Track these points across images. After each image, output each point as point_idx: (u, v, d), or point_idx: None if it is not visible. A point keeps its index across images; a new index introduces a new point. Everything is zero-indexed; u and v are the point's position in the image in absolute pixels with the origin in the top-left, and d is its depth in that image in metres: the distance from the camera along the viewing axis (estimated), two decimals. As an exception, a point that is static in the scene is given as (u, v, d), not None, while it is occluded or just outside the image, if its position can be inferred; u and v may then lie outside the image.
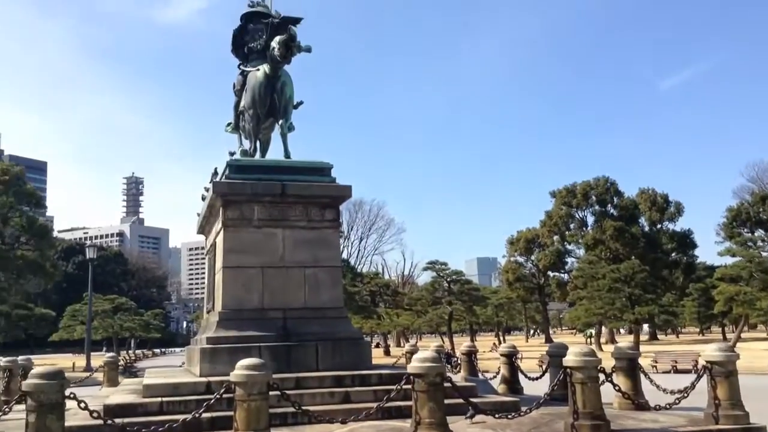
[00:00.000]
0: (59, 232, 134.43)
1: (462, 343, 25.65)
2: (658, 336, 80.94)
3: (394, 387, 9.24)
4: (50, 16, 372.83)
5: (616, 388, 10.29)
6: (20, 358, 16.68)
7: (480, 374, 16.15)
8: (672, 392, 10.37)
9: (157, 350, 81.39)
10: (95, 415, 8.29)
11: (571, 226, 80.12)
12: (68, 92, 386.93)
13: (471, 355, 16.57)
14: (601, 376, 9.06)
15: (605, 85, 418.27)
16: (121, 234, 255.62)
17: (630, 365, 11.45)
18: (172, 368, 18.46)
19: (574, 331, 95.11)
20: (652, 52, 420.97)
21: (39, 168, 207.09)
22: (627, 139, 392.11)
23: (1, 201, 50.12)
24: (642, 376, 11.47)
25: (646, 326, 72.04)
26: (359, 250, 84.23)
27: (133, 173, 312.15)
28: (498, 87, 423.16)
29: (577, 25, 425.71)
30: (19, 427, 9.06)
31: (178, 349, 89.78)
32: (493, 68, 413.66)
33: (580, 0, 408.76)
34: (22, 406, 8.15)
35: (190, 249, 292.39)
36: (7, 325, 41.84)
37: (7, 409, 8.38)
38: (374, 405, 9.18)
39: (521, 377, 14.42)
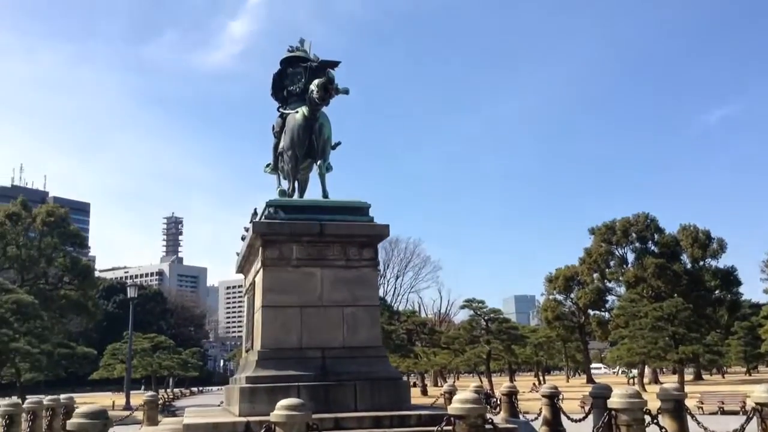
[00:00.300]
0: (101, 271, 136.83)
1: (501, 383, 25.26)
2: (703, 376, 78.66)
3: (434, 428, 9.14)
4: (91, 63, 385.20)
5: (663, 429, 10.04)
6: (62, 396, 16.92)
7: (521, 415, 15.88)
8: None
9: (195, 389, 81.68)
10: (137, 454, 8.36)
11: (611, 263, 78.84)
12: (110, 136, 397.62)
13: (511, 395, 16.32)
14: (647, 418, 8.85)
15: (643, 121, 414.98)
16: (160, 273, 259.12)
17: (676, 406, 11.17)
18: (211, 407, 18.51)
19: (616, 370, 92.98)
20: (694, 87, 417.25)
21: (82, 209, 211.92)
22: (666, 174, 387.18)
23: (46, 242, 51.49)
24: (688, 417, 11.18)
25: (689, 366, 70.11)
26: (395, 288, 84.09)
27: (173, 213, 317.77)
28: (535, 123, 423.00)
29: (615, 62, 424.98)
30: (62, 465, 9.17)
31: (215, 388, 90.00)
32: (530, 104, 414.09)
33: (618, 37, 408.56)
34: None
35: (228, 287, 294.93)
36: (50, 363, 42.38)
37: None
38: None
39: (563, 419, 14.13)
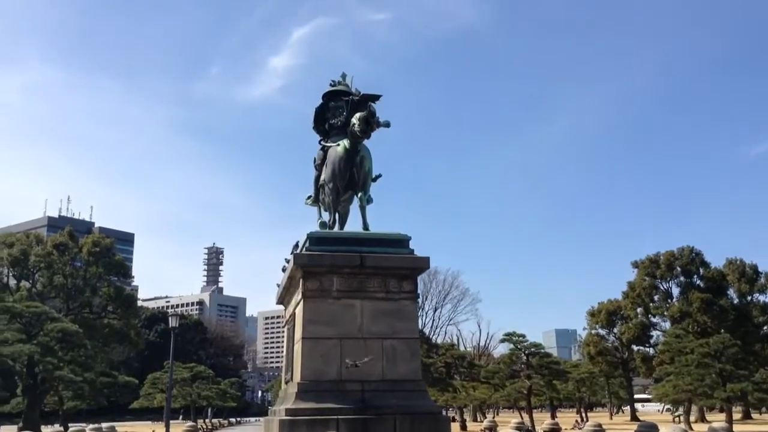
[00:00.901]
0: (143, 300, 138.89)
1: (542, 419, 24.78)
2: (752, 415, 75.97)
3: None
4: (138, 97, 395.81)
5: (712, 472, 9.72)
6: (104, 425, 17.15)
7: (563, 453, 15.53)
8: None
9: (233, 419, 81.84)
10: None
11: (656, 297, 77.16)
12: (154, 167, 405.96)
13: (553, 432, 15.99)
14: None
15: (688, 151, 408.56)
16: (201, 303, 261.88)
17: (726, 447, 10.83)
18: (250, 439, 18.52)
19: (661, 408, 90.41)
20: (742, 116, 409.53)
21: (127, 239, 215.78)
22: (711, 208, 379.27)
23: (92, 271, 52.60)
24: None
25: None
26: (433, 320, 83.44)
27: (213, 243, 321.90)
28: (577, 152, 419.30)
29: (662, 87, 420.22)
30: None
31: (253, 419, 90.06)
32: (567, 140, 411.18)
33: (663, 62, 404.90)
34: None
35: (267, 318, 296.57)
36: (92, 392, 42.96)
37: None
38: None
39: (607, 457, 13.79)
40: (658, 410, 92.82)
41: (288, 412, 11.77)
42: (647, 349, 78.16)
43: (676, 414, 61.86)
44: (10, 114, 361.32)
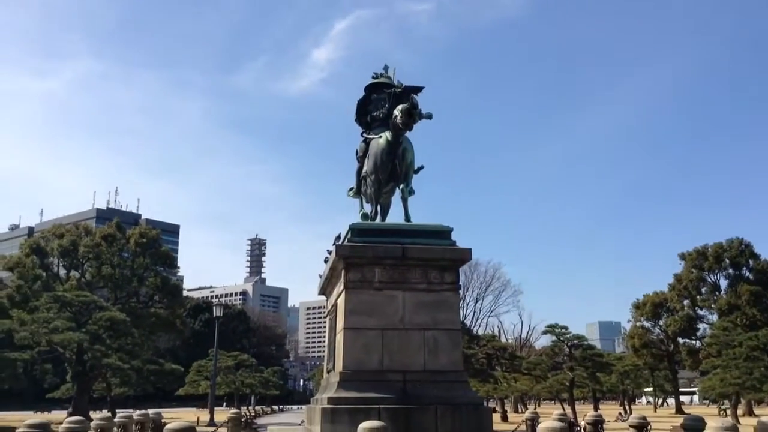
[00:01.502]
0: (188, 290, 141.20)
1: (584, 412, 24.57)
2: (804, 411, 74.08)
3: (516, 456, 9.00)
4: (184, 91, 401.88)
5: (760, 467, 9.54)
6: (151, 411, 17.55)
7: (606, 446, 15.38)
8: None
9: (276, 407, 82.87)
10: (224, 471, 8.58)
11: (703, 290, 75.68)
12: (198, 159, 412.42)
13: (597, 424, 15.85)
14: (743, 454, 8.46)
15: (736, 143, 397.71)
16: (244, 293, 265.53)
17: (775, 442, 10.61)
18: (292, 426, 18.78)
19: (707, 402, 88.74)
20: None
21: (172, 231, 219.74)
22: (762, 198, 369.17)
23: (138, 262, 53.64)
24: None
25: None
26: (474, 311, 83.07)
27: (256, 235, 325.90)
28: (622, 144, 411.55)
29: (706, 81, 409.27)
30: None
31: (294, 407, 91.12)
32: (614, 123, 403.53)
33: (704, 52, 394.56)
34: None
35: (308, 308, 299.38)
36: (139, 379, 43.97)
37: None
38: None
39: (652, 451, 13.62)
40: (705, 403, 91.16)
41: (330, 400, 11.91)
42: (693, 342, 76.85)
43: (723, 407, 60.66)
44: (58, 107, 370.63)
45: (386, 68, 14.81)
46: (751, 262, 72.80)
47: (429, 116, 13.31)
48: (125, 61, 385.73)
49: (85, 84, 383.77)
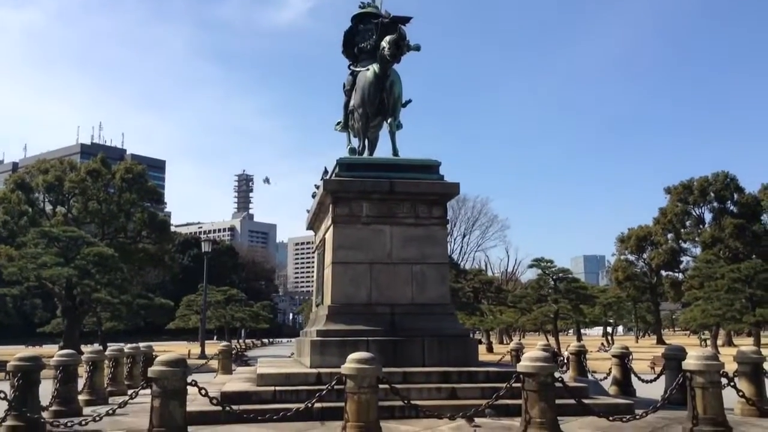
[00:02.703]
0: (176, 226, 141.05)
1: (567, 343, 25.09)
2: (781, 340, 76.11)
3: (501, 385, 9.19)
4: (166, 22, 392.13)
5: (740, 393, 9.81)
6: (141, 345, 17.70)
7: (589, 375, 15.76)
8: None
9: (266, 340, 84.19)
10: (214, 401, 8.72)
11: (687, 223, 76.54)
12: (182, 93, 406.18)
13: (580, 355, 16.18)
14: (723, 381, 8.67)
15: (723, 74, 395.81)
16: (232, 229, 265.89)
17: (754, 370, 10.88)
18: (282, 358, 19.07)
19: (687, 332, 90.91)
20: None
21: (158, 166, 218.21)
22: (748, 131, 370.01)
23: (125, 198, 53.37)
24: (767, 381, 10.89)
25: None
26: (462, 246, 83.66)
27: (243, 171, 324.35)
28: (608, 77, 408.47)
29: (705, 11, 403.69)
30: (143, 410, 9.65)
31: (284, 340, 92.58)
32: (603, 57, 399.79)
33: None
34: (147, 391, 8.67)
35: (297, 244, 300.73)
36: (129, 313, 44.39)
37: (134, 394, 8.91)
38: (482, 402, 9.17)
39: (634, 379, 13.96)
40: (686, 335, 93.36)
41: (319, 333, 12.06)
42: (676, 275, 78.17)
43: (704, 338, 62.20)
44: (38, 38, 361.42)
45: (374, -3, 14.38)
46: (735, 196, 73.42)
47: (417, 48, 13.02)
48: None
49: (66, 14, 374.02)
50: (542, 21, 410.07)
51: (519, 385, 8.54)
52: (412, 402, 8.90)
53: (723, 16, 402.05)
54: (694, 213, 76.24)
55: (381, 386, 8.44)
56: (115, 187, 53.90)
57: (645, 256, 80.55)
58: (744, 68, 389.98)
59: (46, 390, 10.13)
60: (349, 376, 8.25)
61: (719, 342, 57.73)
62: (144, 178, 55.96)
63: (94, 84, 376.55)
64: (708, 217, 75.15)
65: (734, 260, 60.15)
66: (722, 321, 50.89)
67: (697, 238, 74.04)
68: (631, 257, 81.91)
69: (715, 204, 74.30)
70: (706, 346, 54.34)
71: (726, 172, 74.25)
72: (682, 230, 76.55)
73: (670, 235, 77.56)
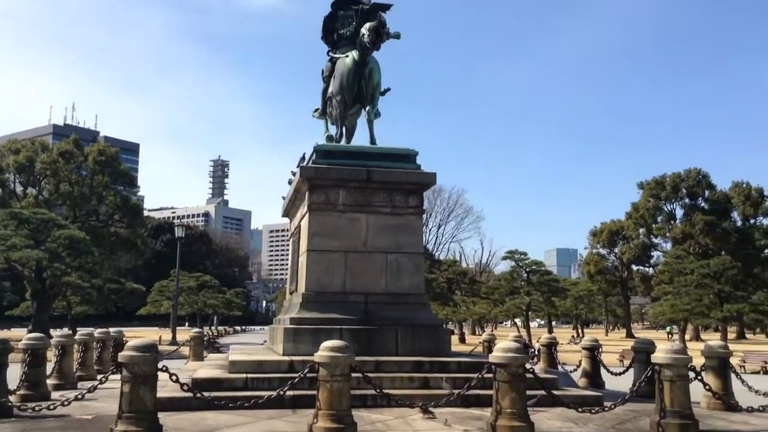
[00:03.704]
0: (149, 211, 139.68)
1: (538, 335, 25.32)
2: (746, 335, 77.56)
3: (473, 375, 9.24)
4: (146, 2, 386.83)
5: (707, 387, 9.97)
6: (112, 330, 17.50)
7: (560, 366, 15.91)
8: (765, 394, 9.96)
9: (238, 327, 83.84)
10: (185, 387, 8.63)
11: (659, 219, 77.54)
12: (158, 75, 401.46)
13: (551, 347, 16.34)
14: (690, 374, 8.79)
15: (700, 72, 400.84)
16: (206, 214, 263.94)
17: (721, 364, 11.06)
18: (255, 346, 18.98)
19: (656, 327, 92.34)
20: (758, 37, 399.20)
21: (132, 149, 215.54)
22: (722, 129, 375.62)
23: (98, 180, 52.66)
24: (733, 375, 11.08)
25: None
26: (437, 237, 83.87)
27: (219, 156, 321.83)
28: (585, 72, 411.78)
29: (673, 4, 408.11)
30: (112, 396, 9.56)
31: (257, 327, 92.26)
32: (580, 48, 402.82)
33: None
34: (117, 376, 8.56)
35: (271, 231, 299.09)
36: (100, 298, 43.91)
37: (103, 379, 8.80)
38: (454, 392, 9.21)
39: (603, 372, 14.11)
40: (655, 329, 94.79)
41: (293, 321, 12.03)
42: (647, 269, 79.21)
43: (671, 332, 63.17)
44: (11, 16, 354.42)
45: (355, -18, 14.26)
46: (707, 193, 74.50)
47: (397, 36, 12.96)
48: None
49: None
50: (521, 19, 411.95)
51: (491, 375, 8.57)
52: (385, 391, 8.90)
53: (694, 12, 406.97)
54: (665, 209, 77.25)
55: (354, 375, 8.43)
56: (88, 169, 53.15)
57: (616, 250, 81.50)
58: (718, 66, 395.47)
59: (13, 373, 9.98)
60: (322, 365, 8.21)
61: (687, 336, 58.68)
62: (117, 161, 55.24)
63: (69, 64, 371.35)
64: (679, 213, 76.31)
65: (704, 256, 61.08)
66: (691, 316, 51.72)
67: (668, 234, 75.07)
68: (603, 251, 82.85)
69: (687, 200, 75.35)
70: (673, 340, 55.22)
71: (698, 168, 75.32)
72: (654, 225, 77.54)
73: (641, 230, 78.52)
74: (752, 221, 75.84)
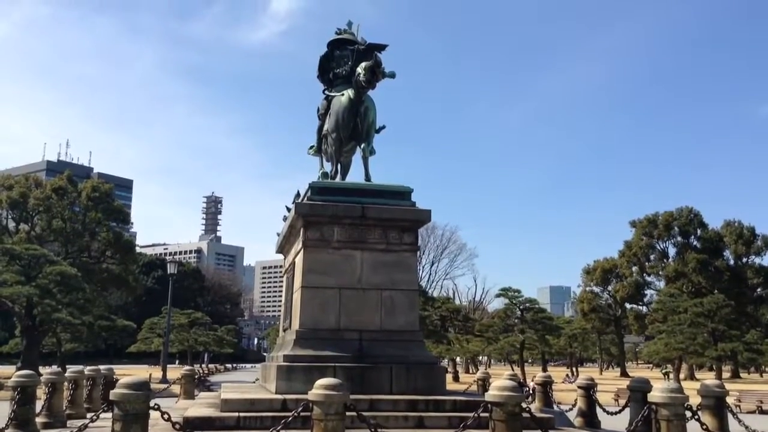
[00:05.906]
0: (141, 247, 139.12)
1: (532, 373, 25.15)
2: (741, 374, 77.17)
3: (469, 414, 9.14)
4: (140, 38, 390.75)
5: (703, 426, 9.89)
6: (102, 367, 17.30)
7: (555, 405, 15.78)
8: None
9: (229, 365, 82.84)
10: (177, 426, 8.52)
11: (652, 257, 77.68)
12: (153, 112, 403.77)
13: (546, 385, 16.22)
14: (687, 414, 8.74)
15: (693, 111, 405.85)
16: (199, 251, 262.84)
17: (717, 403, 11.00)
18: (246, 384, 18.76)
19: (651, 366, 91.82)
20: (751, 77, 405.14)
21: (126, 186, 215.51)
22: (714, 168, 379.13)
23: (90, 216, 52.48)
24: (729, 415, 11.00)
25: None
26: (430, 273, 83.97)
27: (212, 192, 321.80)
28: (575, 110, 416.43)
29: (666, 45, 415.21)
30: (104, 434, 9.40)
31: (248, 365, 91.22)
32: (571, 90, 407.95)
33: (669, 18, 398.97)
34: (108, 415, 8.44)
35: (264, 267, 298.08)
36: (90, 335, 43.47)
37: (94, 417, 8.68)
38: (450, 431, 9.11)
39: (599, 411, 14.00)
40: (650, 368, 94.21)
41: (286, 358, 11.91)
42: (640, 308, 79.02)
43: (666, 371, 62.79)
44: (5, 50, 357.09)
45: (350, 24, 14.56)
46: (699, 231, 74.80)
47: (392, 75, 13.14)
48: (77, 4, 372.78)
49: (35, 27, 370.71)
50: (512, 55, 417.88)
51: (487, 414, 8.50)
52: (379, 430, 8.80)
53: (687, 48, 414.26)
54: (658, 247, 77.44)
55: (348, 413, 8.34)
56: (81, 205, 53.02)
57: (610, 288, 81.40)
58: (709, 107, 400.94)
59: (2, 411, 9.83)
60: (315, 403, 8.14)
61: (681, 375, 58.36)
62: (110, 198, 55.15)
63: (62, 100, 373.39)
64: (672, 251, 76.48)
65: (697, 295, 61.12)
66: (685, 354, 51.56)
67: (661, 272, 75.14)
68: (597, 289, 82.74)
69: (679, 238, 75.59)
70: (669, 379, 54.86)
71: (690, 207, 75.78)
72: (647, 263, 77.63)
73: (634, 268, 78.56)
74: (744, 260, 76.11)
